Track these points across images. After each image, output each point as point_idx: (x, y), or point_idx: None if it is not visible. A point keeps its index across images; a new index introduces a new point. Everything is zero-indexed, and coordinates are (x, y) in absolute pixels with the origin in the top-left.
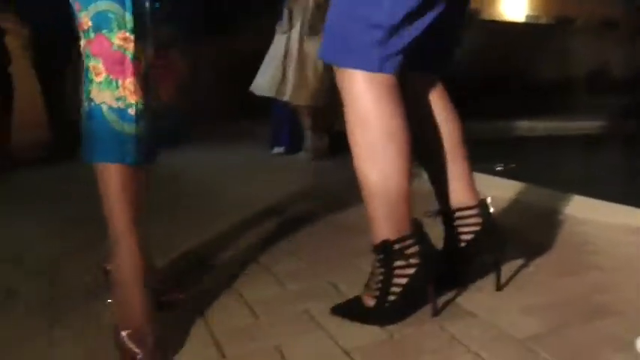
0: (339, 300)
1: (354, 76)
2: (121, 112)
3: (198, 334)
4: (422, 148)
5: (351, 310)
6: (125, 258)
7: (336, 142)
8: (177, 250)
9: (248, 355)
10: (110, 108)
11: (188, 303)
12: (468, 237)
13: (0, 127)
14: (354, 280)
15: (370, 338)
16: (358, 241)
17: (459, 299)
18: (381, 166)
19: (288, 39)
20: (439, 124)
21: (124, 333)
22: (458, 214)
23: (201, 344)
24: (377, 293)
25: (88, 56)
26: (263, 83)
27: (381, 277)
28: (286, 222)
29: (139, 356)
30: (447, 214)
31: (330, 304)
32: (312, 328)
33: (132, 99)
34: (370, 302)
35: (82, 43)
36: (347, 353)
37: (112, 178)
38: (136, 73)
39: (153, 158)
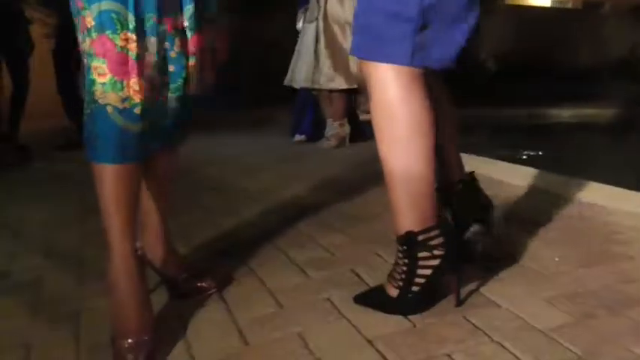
0: (361, 288)
1: (383, 69)
2: (126, 112)
3: (221, 322)
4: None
5: (374, 300)
6: (118, 263)
7: (357, 130)
8: (200, 238)
9: (271, 342)
10: (115, 109)
11: (211, 291)
12: None
13: (13, 117)
14: (376, 269)
15: (393, 327)
16: (379, 229)
17: (483, 289)
18: (406, 158)
19: (317, 26)
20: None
21: (119, 342)
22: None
23: (225, 332)
24: (400, 283)
25: (90, 56)
26: (300, 75)
27: (404, 268)
28: (308, 210)
29: None
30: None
31: (352, 293)
32: (334, 317)
33: (137, 98)
34: (393, 292)
35: (84, 42)
36: (369, 342)
37: (109, 179)
38: (140, 72)
39: (149, 153)
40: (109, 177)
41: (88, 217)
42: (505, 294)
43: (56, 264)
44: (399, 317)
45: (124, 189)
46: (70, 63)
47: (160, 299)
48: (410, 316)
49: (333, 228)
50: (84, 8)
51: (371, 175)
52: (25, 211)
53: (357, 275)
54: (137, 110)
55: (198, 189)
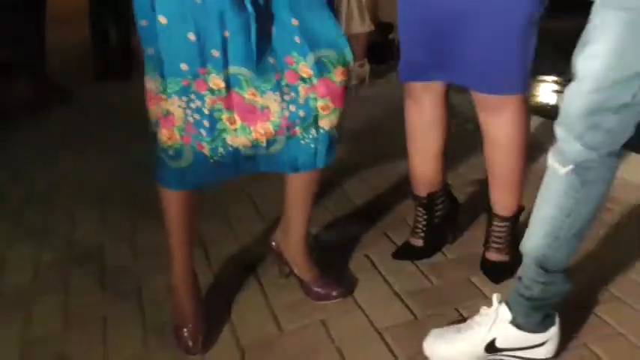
0: (375, 275)
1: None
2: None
3: (257, 308)
4: None
5: (498, 270)
6: (178, 270)
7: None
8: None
9: (300, 328)
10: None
11: (338, 298)
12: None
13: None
14: (387, 253)
15: (398, 319)
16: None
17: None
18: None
19: None
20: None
21: (180, 330)
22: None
23: (262, 319)
24: (509, 250)
25: (219, 110)
26: None
27: (510, 238)
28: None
29: (192, 351)
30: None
31: (367, 280)
32: (351, 308)
33: (263, 140)
34: (505, 257)
35: (205, 98)
36: (379, 333)
37: (171, 201)
38: (267, 119)
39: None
40: (171, 200)
41: (135, 177)
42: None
43: (112, 232)
44: (403, 310)
45: (184, 211)
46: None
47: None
48: (412, 309)
49: (351, 201)
50: (209, 73)
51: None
52: (80, 160)
53: (370, 260)
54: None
55: None
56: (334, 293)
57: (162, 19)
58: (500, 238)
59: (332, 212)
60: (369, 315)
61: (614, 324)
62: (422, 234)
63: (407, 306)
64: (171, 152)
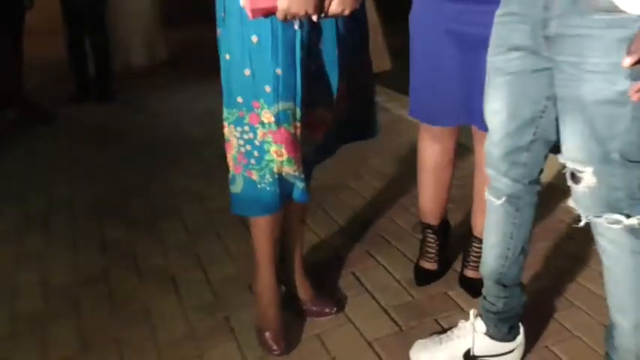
0: (362, 291)
1: None
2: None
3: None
4: None
5: (479, 287)
6: (264, 277)
7: None
8: None
9: (299, 342)
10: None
11: (332, 314)
12: None
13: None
14: (372, 270)
15: (385, 331)
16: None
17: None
18: None
19: None
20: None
21: (264, 333)
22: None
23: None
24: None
25: (269, 142)
26: None
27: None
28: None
29: (275, 352)
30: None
31: (355, 296)
32: (343, 322)
33: (300, 170)
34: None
35: (256, 132)
36: (369, 344)
37: (261, 225)
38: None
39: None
40: (261, 224)
41: (129, 200)
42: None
43: (114, 255)
44: (390, 322)
45: (269, 229)
46: (81, 24)
47: None
48: (397, 321)
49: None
50: (261, 108)
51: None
52: (72, 182)
53: (358, 279)
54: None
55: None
56: (327, 310)
57: (227, 56)
58: (478, 257)
59: (317, 233)
60: (359, 328)
61: (571, 327)
62: (436, 258)
63: (392, 319)
64: (229, 176)
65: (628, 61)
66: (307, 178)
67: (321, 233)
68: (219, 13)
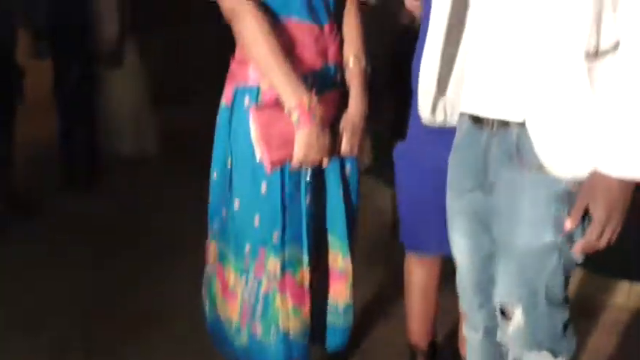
0: None
1: None
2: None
3: None
4: None
5: None
6: None
7: None
8: None
9: None
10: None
11: None
12: None
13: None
14: None
15: None
16: None
17: None
18: None
19: None
20: None
21: None
22: None
23: None
24: None
25: (274, 293)
26: None
27: None
28: None
29: None
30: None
31: None
32: None
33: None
34: None
35: (262, 281)
36: None
37: None
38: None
39: None
40: None
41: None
42: None
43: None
44: None
45: None
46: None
47: None
48: None
49: None
50: (267, 256)
51: None
52: (61, 276)
53: None
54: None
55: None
56: None
57: (236, 203)
58: None
59: None
60: None
61: None
62: None
63: None
64: (233, 325)
65: (568, 225)
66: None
67: None
68: (218, 156)
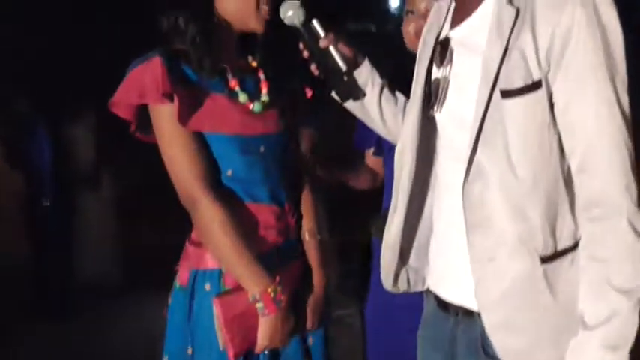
0: None
1: None
2: None
3: None
4: None
5: None
6: None
7: None
8: None
9: None
10: None
11: None
12: None
13: None
14: None
15: None
16: None
17: None
18: None
19: None
20: None
21: None
22: None
23: None
24: None
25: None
26: None
27: None
28: None
29: None
30: None
31: None
32: None
33: None
34: None
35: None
36: None
37: None
38: None
39: None
40: None
41: None
42: None
43: None
44: None
45: None
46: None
47: None
48: None
49: None
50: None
51: None
52: None
53: None
54: None
55: None
56: None
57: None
58: None
59: None
60: None
61: None
62: None
63: None
64: None
65: None
66: None
67: None
68: (174, 340)
